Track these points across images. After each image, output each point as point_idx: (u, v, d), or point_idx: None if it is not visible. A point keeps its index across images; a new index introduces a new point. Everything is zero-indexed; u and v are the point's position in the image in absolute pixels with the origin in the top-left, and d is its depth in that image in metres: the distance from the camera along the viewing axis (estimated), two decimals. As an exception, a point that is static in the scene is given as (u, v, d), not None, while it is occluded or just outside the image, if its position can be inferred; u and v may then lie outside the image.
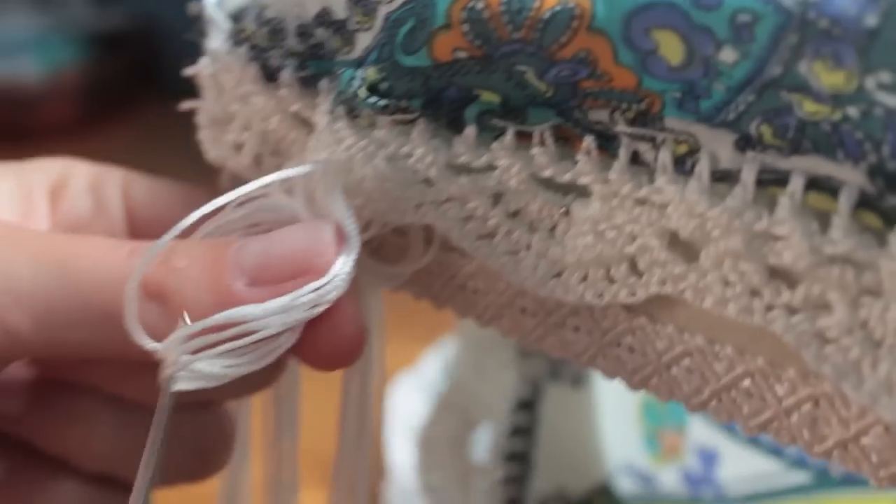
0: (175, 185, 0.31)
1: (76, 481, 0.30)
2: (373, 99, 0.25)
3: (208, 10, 0.30)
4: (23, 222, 0.29)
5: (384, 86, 0.25)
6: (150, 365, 0.25)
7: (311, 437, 0.33)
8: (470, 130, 0.25)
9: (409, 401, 0.51)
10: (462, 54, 0.24)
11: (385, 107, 0.25)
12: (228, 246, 0.25)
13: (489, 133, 0.25)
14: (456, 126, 0.25)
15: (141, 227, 0.31)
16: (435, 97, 0.25)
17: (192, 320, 0.24)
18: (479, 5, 0.23)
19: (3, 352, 0.25)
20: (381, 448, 0.50)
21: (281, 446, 0.33)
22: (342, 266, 0.25)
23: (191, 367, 0.24)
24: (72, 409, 0.29)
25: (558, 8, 0.22)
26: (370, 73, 0.25)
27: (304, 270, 0.25)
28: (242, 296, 0.24)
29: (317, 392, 0.32)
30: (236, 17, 0.30)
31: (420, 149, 0.26)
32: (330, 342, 0.25)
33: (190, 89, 0.31)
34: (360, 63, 0.26)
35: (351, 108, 0.26)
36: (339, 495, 0.32)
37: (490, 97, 0.25)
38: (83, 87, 0.97)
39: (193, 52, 0.31)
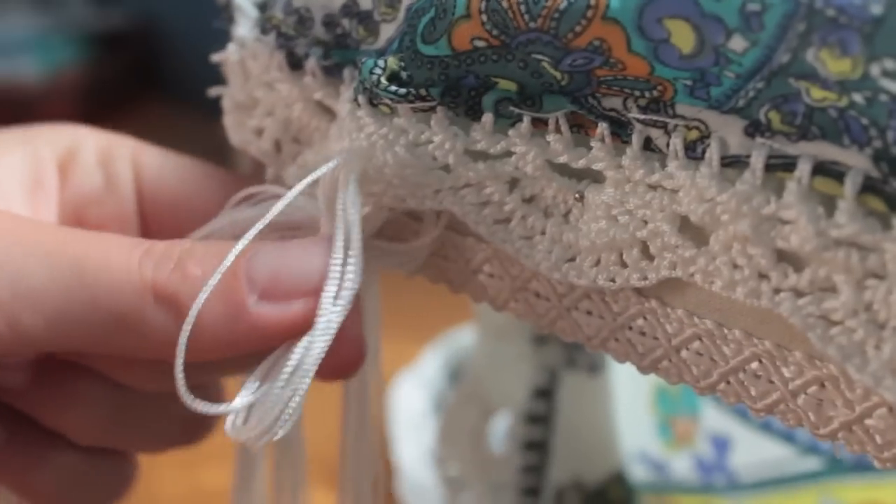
0: (190, 162, 0.31)
1: (72, 453, 0.30)
2: (393, 88, 0.26)
3: None
4: (32, 197, 0.29)
5: (404, 75, 0.26)
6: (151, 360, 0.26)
7: (318, 440, 0.34)
8: (487, 118, 0.26)
9: (410, 398, 0.52)
10: (480, 43, 0.24)
11: (405, 95, 0.26)
12: (241, 255, 0.25)
13: (506, 120, 0.26)
14: (474, 113, 0.26)
15: (152, 204, 0.30)
16: (453, 85, 0.26)
17: (205, 330, 0.24)
18: None
19: (12, 347, 0.25)
20: (387, 446, 0.51)
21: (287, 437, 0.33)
22: (353, 280, 0.25)
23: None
24: (71, 391, 0.29)
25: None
26: (391, 62, 0.26)
27: (315, 291, 0.25)
28: (254, 310, 0.25)
29: (321, 398, 0.33)
30: (262, 5, 0.30)
31: (439, 136, 0.26)
32: (332, 358, 0.25)
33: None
34: (382, 53, 0.26)
35: (372, 97, 0.26)
36: (345, 490, 0.32)
37: (507, 85, 0.25)
38: (83, 87, 0.98)
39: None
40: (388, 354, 0.60)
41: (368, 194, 0.27)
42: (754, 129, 0.22)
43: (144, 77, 1.02)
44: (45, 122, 0.31)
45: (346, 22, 0.27)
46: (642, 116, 0.24)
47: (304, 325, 0.25)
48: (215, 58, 0.31)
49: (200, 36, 0.31)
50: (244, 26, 0.30)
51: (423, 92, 0.26)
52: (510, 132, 0.26)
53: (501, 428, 0.44)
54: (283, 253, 0.25)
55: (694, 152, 0.23)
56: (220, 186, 0.30)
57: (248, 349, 0.25)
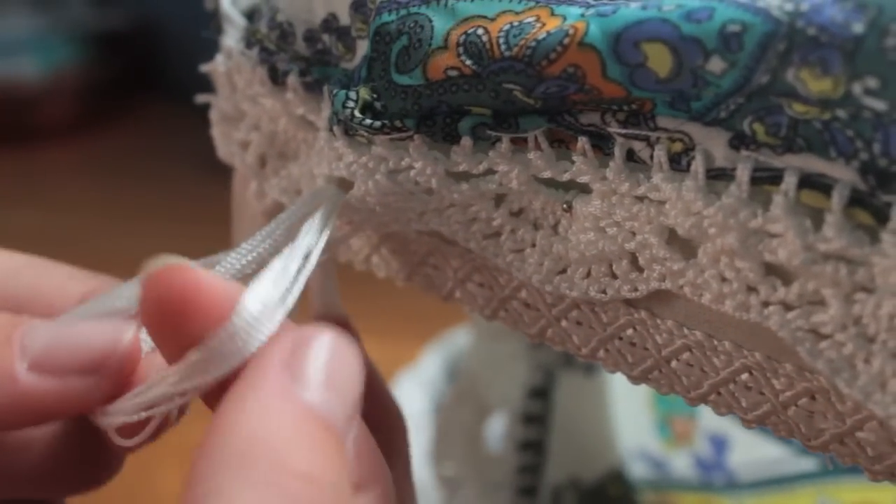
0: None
1: None
2: (368, 121, 0.25)
3: (224, 6, 0.30)
4: None
5: (378, 105, 0.25)
6: None
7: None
8: (466, 141, 0.25)
9: (409, 398, 0.52)
10: (453, 73, 0.24)
11: (380, 128, 0.25)
12: (21, 323, 0.24)
13: (485, 142, 0.25)
14: (451, 138, 0.25)
15: None
16: (427, 115, 0.25)
17: None
18: (479, 31, 0.23)
19: None
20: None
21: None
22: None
23: None
24: None
25: (553, 30, 0.22)
26: (363, 92, 0.25)
27: (93, 368, 0.24)
28: (23, 379, 0.23)
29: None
30: (249, 14, 0.30)
31: (419, 162, 0.26)
32: None
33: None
34: (352, 78, 0.26)
35: (347, 128, 0.26)
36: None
37: (481, 110, 0.25)
38: (83, 87, 0.98)
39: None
40: (388, 354, 0.60)
41: (348, 223, 0.27)
42: (739, 141, 0.22)
43: (144, 77, 1.02)
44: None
45: (326, 37, 0.27)
46: (623, 131, 0.23)
47: (82, 402, 0.24)
48: (203, 68, 0.31)
49: (200, 36, 0.31)
50: (232, 37, 0.30)
51: (398, 123, 0.25)
52: (490, 153, 0.25)
53: (498, 428, 0.44)
54: (63, 325, 0.24)
55: (679, 164, 0.23)
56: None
57: (24, 422, 0.24)
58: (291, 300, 0.23)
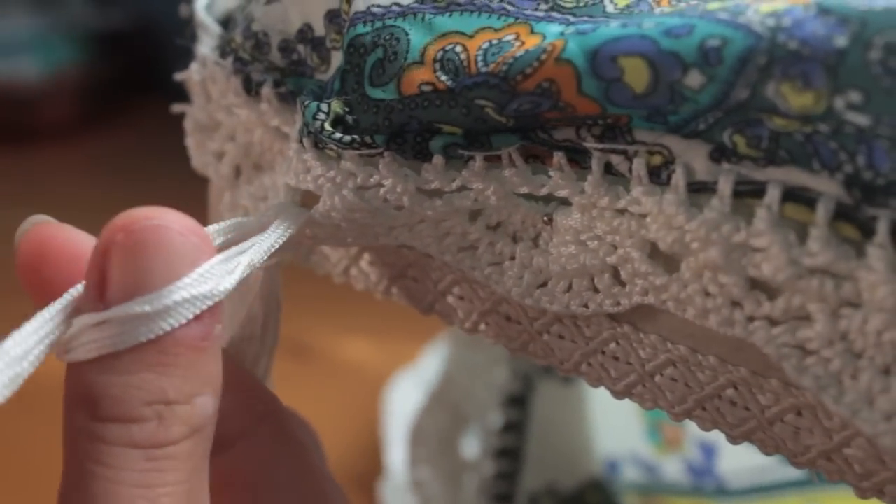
0: None
1: None
2: (338, 135, 0.25)
3: (198, 14, 0.30)
4: None
5: (350, 119, 0.24)
6: None
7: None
8: (438, 159, 0.24)
9: (408, 398, 0.51)
10: (426, 88, 0.23)
11: (350, 143, 0.25)
12: None
13: (458, 160, 0.25)
14: (422, 156, 0.25)
15: None
16: (398, 132, 0.24)
17: None
18: (458, 48, 0.23)
19: None
20: (381, 447, 0.50)
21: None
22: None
23: None
24: None
25: (532, 48, 0.22)
26: (335, 105, 0.25)
27: None
28: None
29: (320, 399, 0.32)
30: (225, 22, 0.29)
31: (389, 179, 0.25)
32: None
33: (188, 90, 0.31)
34: (325, 90, 0.25)
35: (317, 140, 0.25)
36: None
37: (452, 129, 0.24)
38: (83, 87, 0.97)
39: (192, 53, 0.30)
40: (388, 354, 0.59)
41: (310, 238, 0.26)
42: (720, 154, 0.21)
43: (144, 77, 1.02)
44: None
45: (301, 48, 0.26)
46: (599, 145, 0.23)
47: None
48: (178, 77, 0.30)
49: (192, 40, 0.30)
50: (207, 45, 0.29)
51: (368, 139, 0.24)
52: (464, 171, 0.24)
53: (475, 434, 0.44)
54: None
55: (659, 178, 0.22)
56: None
57: None
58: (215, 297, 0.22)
